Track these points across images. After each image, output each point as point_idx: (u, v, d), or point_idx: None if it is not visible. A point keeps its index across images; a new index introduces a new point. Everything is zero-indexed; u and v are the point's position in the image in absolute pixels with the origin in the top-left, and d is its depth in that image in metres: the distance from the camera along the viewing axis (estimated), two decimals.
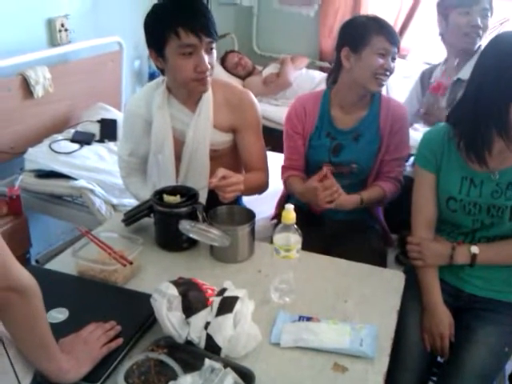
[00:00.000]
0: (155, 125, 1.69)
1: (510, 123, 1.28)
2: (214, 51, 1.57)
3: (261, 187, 1.77)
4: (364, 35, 1.65)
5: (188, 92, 1.64)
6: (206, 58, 1.53)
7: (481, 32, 1.93)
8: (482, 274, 1.45)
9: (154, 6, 1.54)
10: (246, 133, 1.71)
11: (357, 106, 1.75)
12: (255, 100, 1.75)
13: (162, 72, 1.65)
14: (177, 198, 1.50)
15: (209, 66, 1.54)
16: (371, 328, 1.19)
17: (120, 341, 1.11)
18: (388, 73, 1.67)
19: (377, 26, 1.66)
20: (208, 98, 1.66)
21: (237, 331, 1.08)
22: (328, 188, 1.56)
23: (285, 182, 1.84)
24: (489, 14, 1.93)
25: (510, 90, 1.26)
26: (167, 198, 1.50)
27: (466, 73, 1.91)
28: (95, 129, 2.67)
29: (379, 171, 1.78)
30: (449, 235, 1.50)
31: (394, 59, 1.68)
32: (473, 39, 1.95)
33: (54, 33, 2.65)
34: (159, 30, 1.50)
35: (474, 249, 1.41)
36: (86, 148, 2.55)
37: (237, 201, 1.92)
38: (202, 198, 1.66)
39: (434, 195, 1.48)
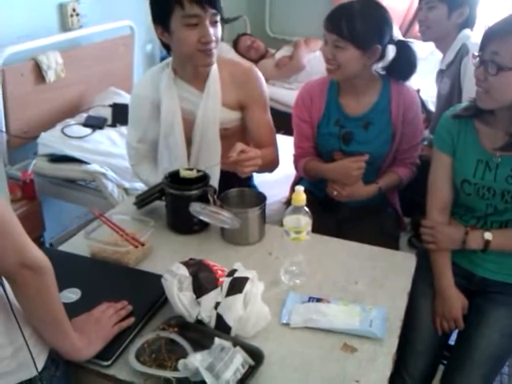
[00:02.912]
0: (164, 106, 1.68)
1: None
2: (219, 25, 1.56)
3: (273, 163, 1.76)
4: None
5: (194, 70, 1.63)
6: (211, 30, 1.52)
7: (429, 25, 1.92)
8: (494, 258, 1.43)
9: None
10: (253, 108, 1.71)
11: (366, 91, 1.69)
12: (261, 75, 1.74)
13: (168, 50, 1.64)
14: (193, 173, 1.51)
15: (213, 38, 1.53)
16: (381, 309, 1.19)
17: (131, 320, 1.12)
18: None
19: None
20: (215, 76, 1.65)
21: (246, 311, 1.09)
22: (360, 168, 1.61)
23: (303, 169, 1.79)
24: (437, 5, 1.87)
25: None
26: (183, 173, 1.51)
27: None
28: (107, 113, 2.68)
29: (395, 158, 1.76)
30: (461, 218, 1.49)
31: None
32: (421, 33, 1.98)
33: (66, 18, 2.65)
34: (164, 2, 1.51)
35: (488, 235, 1.39)
36: (98, 132, 2.56)
37: (249, 183, 1.93)
38: (215, 178, 1.66)
39: (450, 178, 1.46)
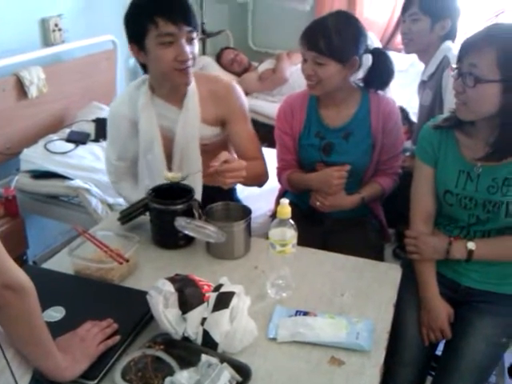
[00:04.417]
0: (142, 125, 1.68)
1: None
2: (196, 42, 1.57)
3: (261, 176, 1.75)
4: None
5: (171, 88, 1.63)
6: (187, 47, 1.52)
7: (412, 37, 1.96)
8: (479, 267, 1.44)
9: (133, 1, 1.54)
10: (235, 123, 1.71)
11: (346, 102, 1.71)
12: (240, 90, 1.75)
13: (145, 69, 1.64)
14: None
15: (190, 56, 1.53)
16: (367, 321, 1.19)
17: (117, 338, 1.11)
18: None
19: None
20: (193, 92, 1.65)
21: (233, 326, 1.08)
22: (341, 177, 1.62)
23: (287, 180, 1.80)
24: (420, 18, 1.91)
25: None
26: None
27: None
28: (90, 128, 2.67)
29: (377, 168, 1.78)
30: (445, 228, 1.50)
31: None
32: (404, 45, 2.01)
33: (48, 33, 2.65)
34: (138, 22, 1.51)
35: (471, 245, 1.40)
36: (82, 148, 2.55)
37: (233, 197, 1.93)
38: (197, 191, 1.65)
39: (432, 189, 1.47)
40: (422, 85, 2.07)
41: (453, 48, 1.92)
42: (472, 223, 1.43)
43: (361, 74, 1.73)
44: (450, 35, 1.97)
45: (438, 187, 1.46)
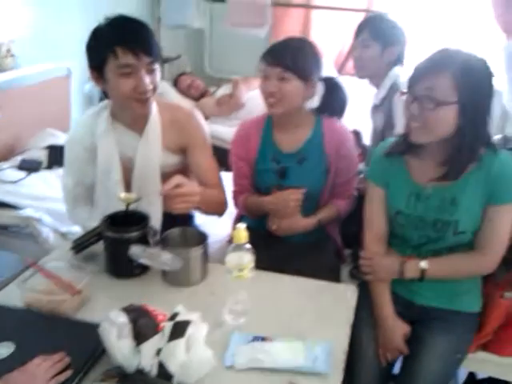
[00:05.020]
0: (100, 152, 1.65)
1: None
2: (157, 71, 1.56)
3: (220, 205, 1.74)
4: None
5: (133, 115, 1.62)
6: (147, 78, 1.51)
7: (363, 63, 2.04)
8: (432, 285, 1.47)
9: (95, 28, 1.53)
10: (195, 152, 1.71)
11: (300, 127, 1.75)
12: (202, 118, 1.75)
13: (105, 95, 1.63)
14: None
15: (149, 87, 1.52)
16: (325, 344, 1.20)
17: (69, 373, 1.08)
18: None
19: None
20: (155, 119, 1.65)
21: (189, 356, 1.07)
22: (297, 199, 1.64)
23: (243, 204, 1.81)
24: (371, 44, 1.99)
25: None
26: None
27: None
28: (43, 156, 2.60)
29: (333, 192, 1.80)
30: (398, 248, 1.53)
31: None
32: (356, 70, 2.10)
33: (0, 58, 2.59)
34: (98, 50, 1.49)
35: (423, 264, 1.43)
36: (34, 175, 2.48)
37: (191, 224, 1.91)
38: (157, 218, 1.64)
39: (384, 210, 1.51)
40: (374, 108, 2.13)
41: (402, 73, 1.99)
42: (423, 243, 1.46)
43: (315, 102, 1.78)
44: (399, 61, 2.05)
45: (389, 208, 1.50)
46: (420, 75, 1.32)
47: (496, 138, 1.84)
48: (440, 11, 3.49)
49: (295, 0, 3.92)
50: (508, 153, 1.39)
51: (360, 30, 2.05)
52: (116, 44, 1.45)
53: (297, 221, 1.70)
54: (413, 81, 1.34)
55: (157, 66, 1.54)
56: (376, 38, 1.99)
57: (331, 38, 3.87)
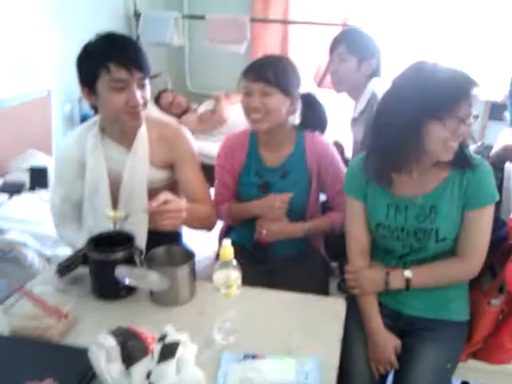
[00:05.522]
0: (89, 167, 1.66)
1: (427, 145, 1.32)
2: (148, 86, 1.58)
3: (209, 220, 1.74)
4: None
5: (121, 129, 1.63)
6: (139, 92, 1.53)
7: (340, 77, 2.07)
8: (419, 296, 1.48)
9: (86, 44, 1.55)
10: (183, 168, 1.71)
11: (283, 142, 1.76)
12: (189, 135, 1.76)
13: (95, 110, 1.63)
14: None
15: (141, 101, 1.55)
16: (316, 360, 1.19)
17: None
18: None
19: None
20: (143, 135, 1.65)
21: (180, 377, 1.05)
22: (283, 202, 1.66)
23: (228, 211, 1.82)
24: (347, 58, 2.03)
25: (428, 106, 1.28)
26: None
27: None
28: (25, 177, 2.57)
29: (328, 206, 1.81)
30: (382, 260, 1.53)
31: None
32: (334, 84, 2.13)
33: None
34: (90, 66, 1.51)
35: (408, 273, 1.44)
36: (16, 198, 2.45)
37: (178, 241, 1.90)
38: (142, 237, 1.63)
39: (365, 223, 1.51)
40: (354, 121, 2.15)
41: (379, 85, 2.02)
42: (407, 253, 1.48)
43: (297, 119, 1.80)
44: (376, 73, 2.08)
45: (369, 221, 1.50)
46: None
47: (475, 145, 1.88)
48: (415, 24, 3.57)
49: (273, 15, 3.97)
50: (480, 157, 1.42)
51: (336, 43, 2.07)
52: (109, 59, 1.48)
53: (285, 225, 1.71)
54: None
55: (147, 81, 1.57)
56: (352, 51, 2.02)
57: (309, 52, 3.93)
